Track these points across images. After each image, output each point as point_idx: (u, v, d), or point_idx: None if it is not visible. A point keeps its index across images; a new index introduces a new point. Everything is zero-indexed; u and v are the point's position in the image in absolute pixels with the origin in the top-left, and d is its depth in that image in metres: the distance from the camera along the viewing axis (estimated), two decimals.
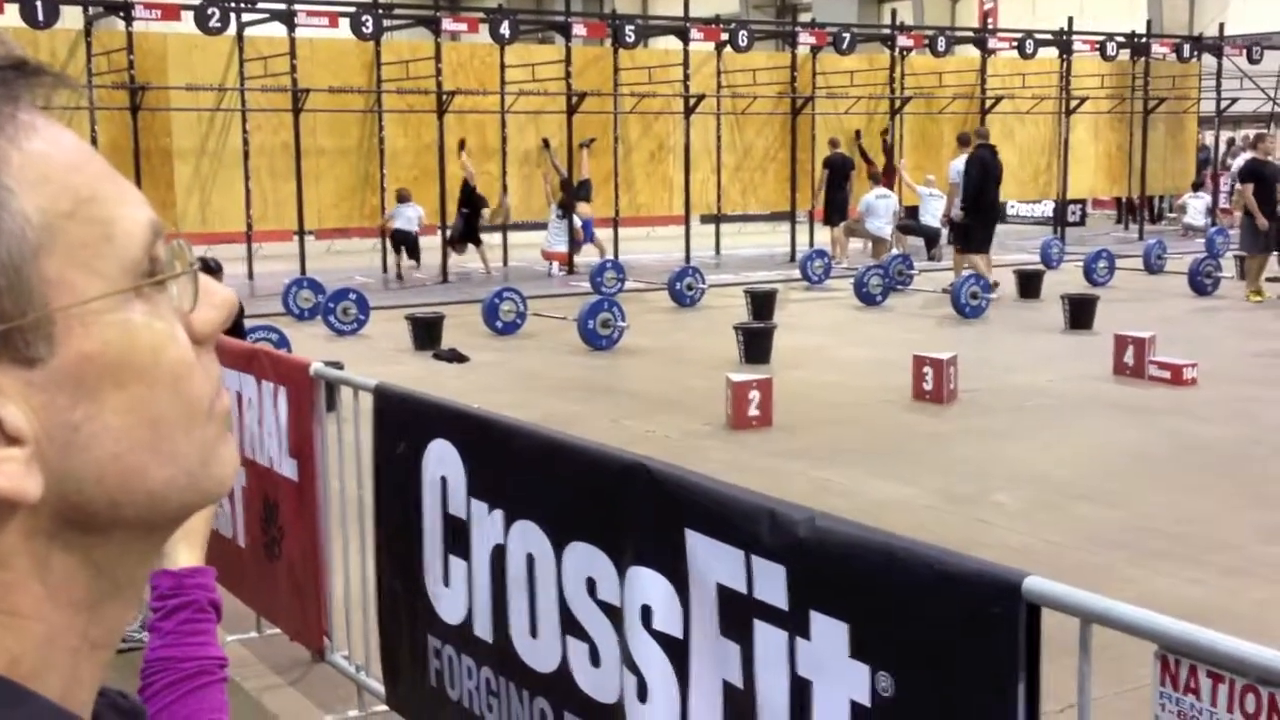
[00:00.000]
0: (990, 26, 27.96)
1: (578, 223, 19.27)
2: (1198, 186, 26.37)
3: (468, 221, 18.67)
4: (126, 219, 0.60)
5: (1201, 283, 16.37)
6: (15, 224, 0.56)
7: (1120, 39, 24.08)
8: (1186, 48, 25.13)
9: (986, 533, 6.49)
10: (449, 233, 18.67)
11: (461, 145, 18.68)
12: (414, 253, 18.28)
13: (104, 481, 0.59)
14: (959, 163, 17.03)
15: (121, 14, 16.67)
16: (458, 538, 3.44)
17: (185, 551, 1.47)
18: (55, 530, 0.59)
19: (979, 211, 16.28)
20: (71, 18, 16.81)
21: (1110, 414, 9.52)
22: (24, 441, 0.57)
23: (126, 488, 0.60)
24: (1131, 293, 16.57)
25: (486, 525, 3.30)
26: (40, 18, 15.51)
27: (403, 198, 18.15)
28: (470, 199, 18.56)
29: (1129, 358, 10.73)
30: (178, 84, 17.00)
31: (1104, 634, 2.10)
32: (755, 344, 11.65)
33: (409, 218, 18.12)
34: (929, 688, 2.19)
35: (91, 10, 16.97)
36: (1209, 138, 28.02)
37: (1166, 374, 10.44)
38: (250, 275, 17.36)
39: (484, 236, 19.22)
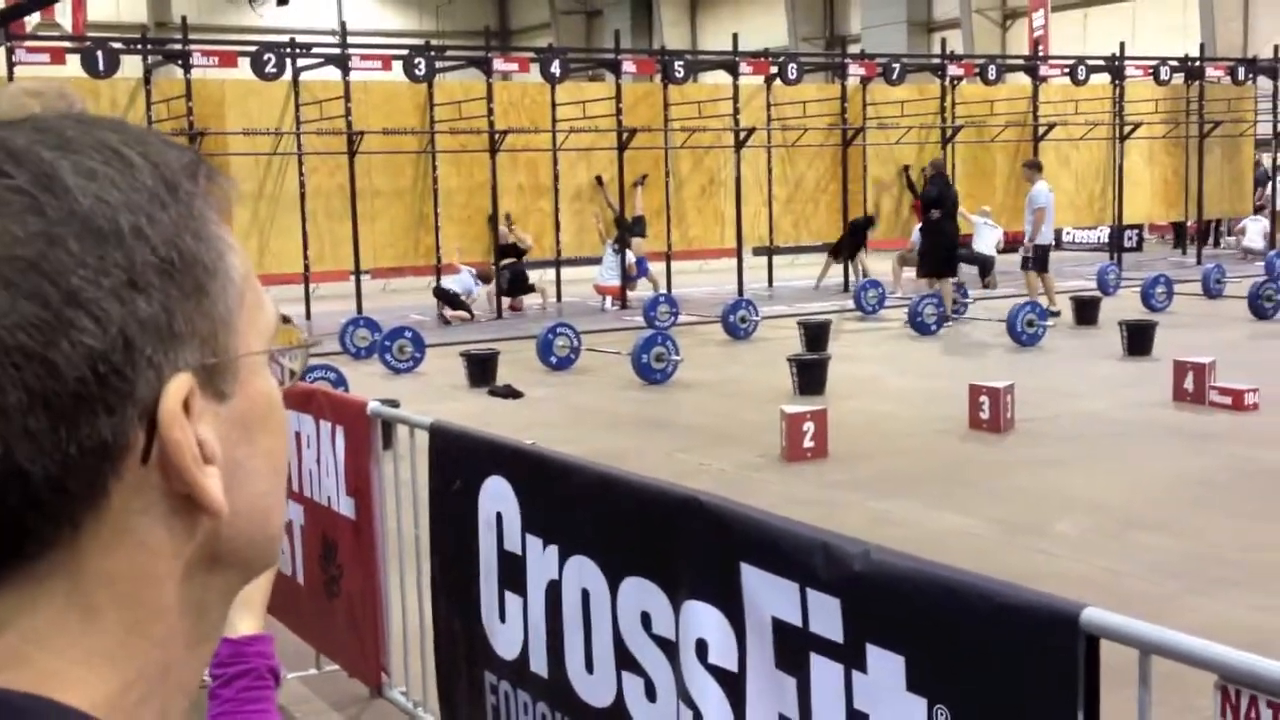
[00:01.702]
0: (1041, 54, 27.81)
1: (630, 259, 19.36)
2: (1259, 210, 26.09)
3: (514, 273, 18.85)
4: (265, 295, 0.69)
5: (1262, 306, 16.15)
6: (234, 276, 0.65)
7: (1174, 63, 23.87)
8: (1241, 70, 24.86)
9: (1046, 563, 6.43)
10: (501, 283, 18.83)
11: (507, 219, 18.87)
12: (458, 306, 18.37)
13: (249, 518, 0.65)
14: (1041, 188, 16.97)
15: (180, 62, 16.99)
16: (513, 574, 3.46)
17: (246, 619, 1.49)
18: (197, 561, 0.64)
19: (930, 234, 17.24)
20: (131, 67, 17.18)
21: (1171, 441, 9.41)
22: (216, 465, 0.62)
23: (261, 527, 0.67)
24: (1191, 318, 16.38)
25: (541, 561, 3.32)
26: (101, 67, 15.85)
27: (483, 276, 18.44)
28: (508, 252, 18.74)
29: (1189, 384, 10.60)
30: (235, 129, 17.28)
31: (1165, 664, 2.08)
32: (809, 375, 11.62)
33: (462, 283, 18.30)
34: None
35: (150, 59, 17.33)
36: (1266, 160, 27.69)
37: (1227, 400, 10.30)
38: (308, 315, 17.56)
39: (536, 275, 19.37)
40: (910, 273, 20.91)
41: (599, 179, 19.66)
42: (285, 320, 0.73)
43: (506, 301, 19.01)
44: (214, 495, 0.61)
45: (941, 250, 17.00)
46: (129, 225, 0.60)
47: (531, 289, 19.21)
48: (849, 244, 21.48)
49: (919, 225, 20.25)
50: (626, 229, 19.20)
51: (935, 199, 17.20)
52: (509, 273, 18.89)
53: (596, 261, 19.94)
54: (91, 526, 0.59)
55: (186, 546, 0.63)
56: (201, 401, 0.62)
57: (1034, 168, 17.81)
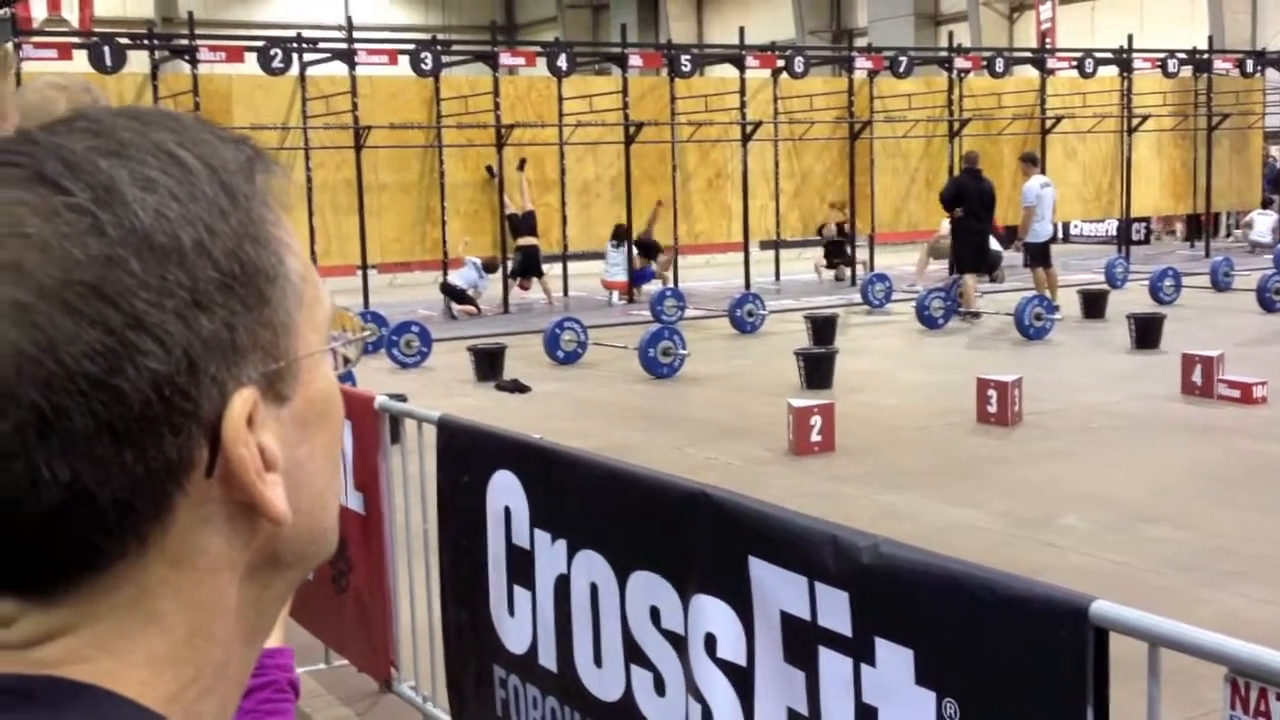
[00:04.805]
0: (1048, 46, 27.75)
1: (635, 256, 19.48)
2: (1267, 204, 26.05)
3: (526, 255, 18.79)
4: (322, 287, 0.68)
5: (1270, 299, 16.11)
6: (294, 278, 0.65)
7: (1181, 55, 23.81)
8: (1250, 63, 24.80)
9: (1054, 556, 6.42)
10: (510, 266, 18.80)
11: (521, 165, 18.77)
12: (465, 301, 18.33)
13: (310, 515, 0.65)
14: (1033, 184, 16.94)
15: (187, 57, 17.00)
16: (521, 568, 3.46)
17: None
18: (257, 562, 0.64)
19: (956, 232, 16.83)
20: (138, 62, 17.18)
21: (1179, 434, 9.39)
22: (278, 470, 0.62)
23: (319, 524, 0.67)
24: (1199, 311, 16.34)
25: (550, 555, 3.32)
26: (108, 63, 15.85)
27: (488, 265, 18.39)
28: (519, 229, 18.65)
29: (1197, 377, 10.58)
30: (243, 124, 17.23)
31: (1175, 657, 2.07)
32: (816, 369, 11.61)
33: (466, 277, 18.25)
34: (996, 714, 2.18)
35: (157, 55, 17.33)
36: (1276, 151, 27.62)
37: (1236, 393, 10.28)
38: None
39: (544, 267, 19.36)
40: (934, 267, 20.86)
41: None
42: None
43: (514, 281, 18.93)
44: (278, 506, 0.61)
45: (968, 249, 16.73)
46: (190, 240, 0.59)
47: (541, 274, 19.17)
48: (831, 248, 21.60)
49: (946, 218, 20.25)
50: (646, 247, 19.35)
51: (952, 197, 16.93)
52: (522, 254, 18.82)
53: (601, 256, 19.95)
54: (157, 539, 0.60)
55: (248, 551, 0.63)
56: (263, 409, 0.61)
57: (1028, 161, 17.74)
